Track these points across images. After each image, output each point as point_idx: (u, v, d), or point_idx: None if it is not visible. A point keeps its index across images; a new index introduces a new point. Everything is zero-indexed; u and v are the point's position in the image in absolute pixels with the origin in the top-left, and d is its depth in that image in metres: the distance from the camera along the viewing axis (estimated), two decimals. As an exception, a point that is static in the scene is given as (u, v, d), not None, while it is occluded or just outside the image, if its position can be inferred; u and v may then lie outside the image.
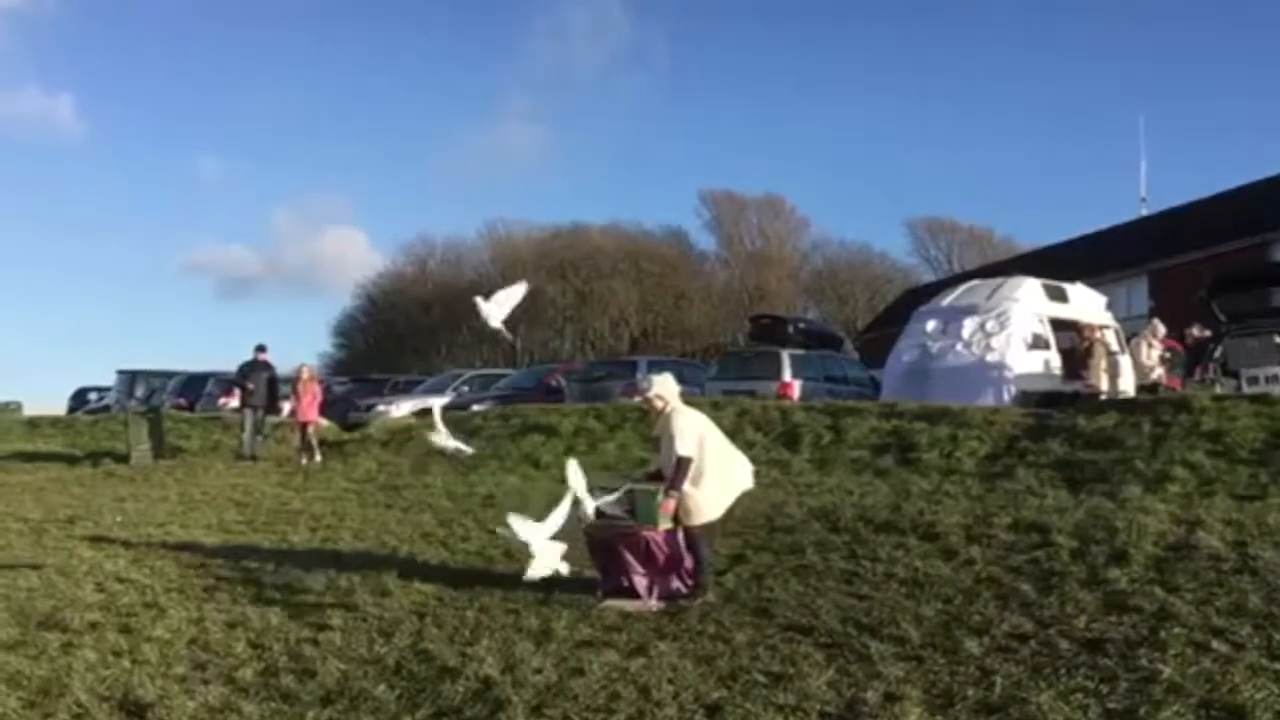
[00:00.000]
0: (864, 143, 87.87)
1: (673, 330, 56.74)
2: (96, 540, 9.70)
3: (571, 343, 57.56)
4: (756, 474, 7.44)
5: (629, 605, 6.50)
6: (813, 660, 5.22)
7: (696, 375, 19.52)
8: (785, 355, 18.29)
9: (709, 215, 62.58)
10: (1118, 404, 12.78)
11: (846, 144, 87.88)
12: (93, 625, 6.39)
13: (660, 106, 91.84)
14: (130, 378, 30.73)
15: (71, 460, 18.47)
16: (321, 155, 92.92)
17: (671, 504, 6.63)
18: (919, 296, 31.47)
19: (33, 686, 5.17)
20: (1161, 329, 16.77)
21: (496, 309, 8.05)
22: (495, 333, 8.32)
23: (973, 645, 5.32)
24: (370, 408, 22.48)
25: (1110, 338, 16.39)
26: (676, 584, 6.75)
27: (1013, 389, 14.55)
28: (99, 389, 34.60)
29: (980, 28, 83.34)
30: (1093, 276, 22.11)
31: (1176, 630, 5.33)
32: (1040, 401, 13.67)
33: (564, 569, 6.63)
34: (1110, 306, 17.82)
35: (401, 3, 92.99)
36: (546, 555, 6.54)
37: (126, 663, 5.56)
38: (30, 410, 34.15)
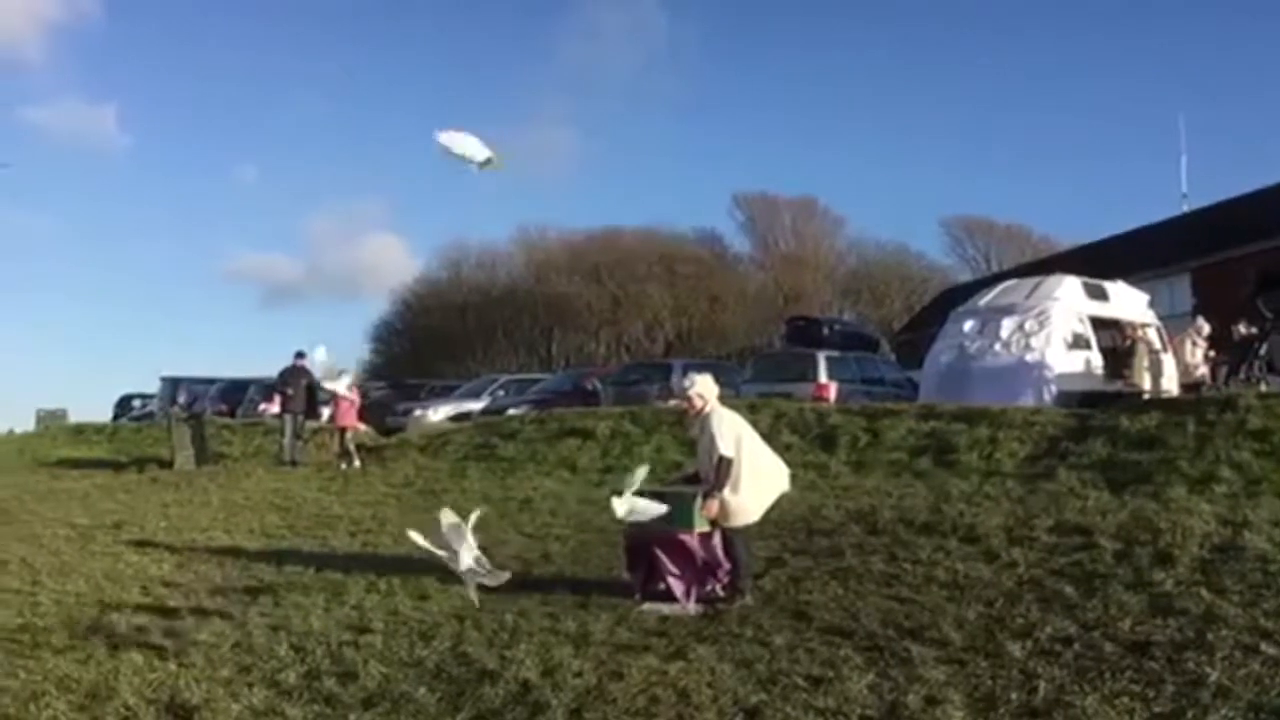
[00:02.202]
0: (899, 142, 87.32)
1: (707, 333, 56.57)
2: (142, 545, 9.86)
3: (606, 346, 57.53)
4: (793, 477, 7.42)
5: (667, 609, 6.51)
6: (853, 663, 5.20)
7: (731, 378, 19.48)
8: (821, 357, 18.21)
9: (743, 217, 62.46)
10: (1161, 403, 12.60)
11: (881, 143, 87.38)
12: (139, 629, 6.49)
13: (694, 108, 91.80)
14: (173, 385, 31.16)
15: (117, 466, 18.76)
16: (359, 162, 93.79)
17: (713, 505, 6.62)
18: (956, 296, 31.19)
19: (82, 690, 5.26)
20: (1206, 327, 16.53)
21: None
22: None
23: (1015, 648, 5.27)
24: (407, 412, 22.65)
25: (1153, 336, 16.19)
26: (714, 587, 6.75)
27: (1053, 389, 14.39)
28: (143, 396, 35.11)
29: (1016, 24, 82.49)
30: (1134, 274, 21.83)
31: (1223, 633, 5.25)
32: (1081, 401, 13.51)
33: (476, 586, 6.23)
34: (1152, 304, 17.60)
35: (436, 7, 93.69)
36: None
37: (172, 666, 5.64)
38: (76, 417, 34.70)
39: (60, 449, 23.56)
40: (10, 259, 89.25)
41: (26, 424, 35.71)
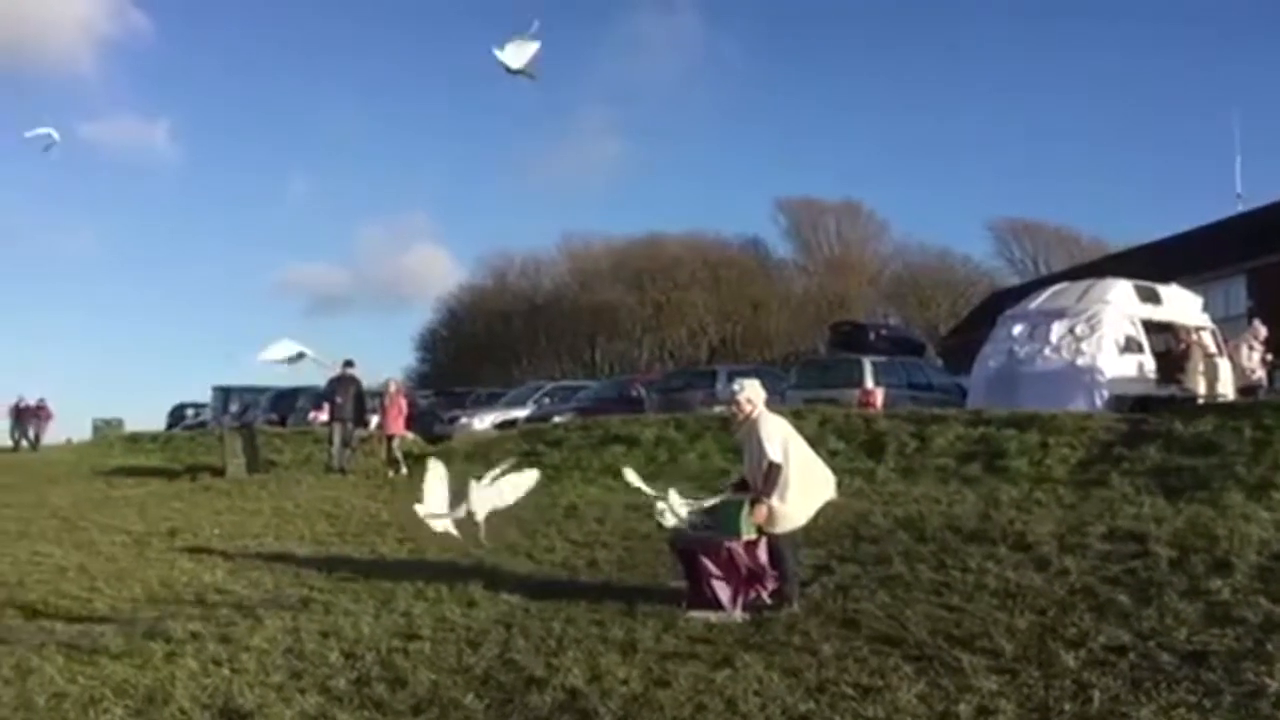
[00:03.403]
0: (944, 144, 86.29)
1: (751, 339, 56.39)
2: (196, 552, 10.03)
3: (650, 353, 57.55)
4: (840, 483, 7.38)
5: (713, 616, 6.49)
6: (902, 673, 5.15)
7: (776, 384, 19.41)
8: (867, 362, 18.09)
9: (786, 222, 62.24)
10: (1216, 408, 12.36)
11: (926, 146, 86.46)
12: (194, 635, 6.60)
13: (735, 115, 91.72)
14: (225, 394, 31.70)
15: (171, 475, 19.09)
16: (405, 173, 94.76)
17: (762, 511, 6.60)
18: (1004, 300, 30.79)
19: (139, 695, 5.37)
20: (1263, 330, 16.20)
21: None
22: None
23: (1069, 658, 5.19)
24: (453, 420, 22.83)
25: (1207, 339, 15.88)
26: (761, 595, 6.73)
27: (1105, 393, 14.16)
28: (196, 405, 35.70)
29: (1063, 23, 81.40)
30: (1187, 276, 21.39)
31: (1284, 642, 5.13)
32: (1134, 406, 13.29)
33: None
34: (1206, 307, 17.24)
35: (479, 18, 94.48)
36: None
37: (226, 671, 5.74)
38: (131, 426, 35.38)
39: (116, 458, 24.03)
40: (67, 273, 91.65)
41: (84, 433, 36.55)
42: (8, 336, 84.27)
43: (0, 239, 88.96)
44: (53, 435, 33.93)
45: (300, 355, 8.94)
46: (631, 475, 7.36)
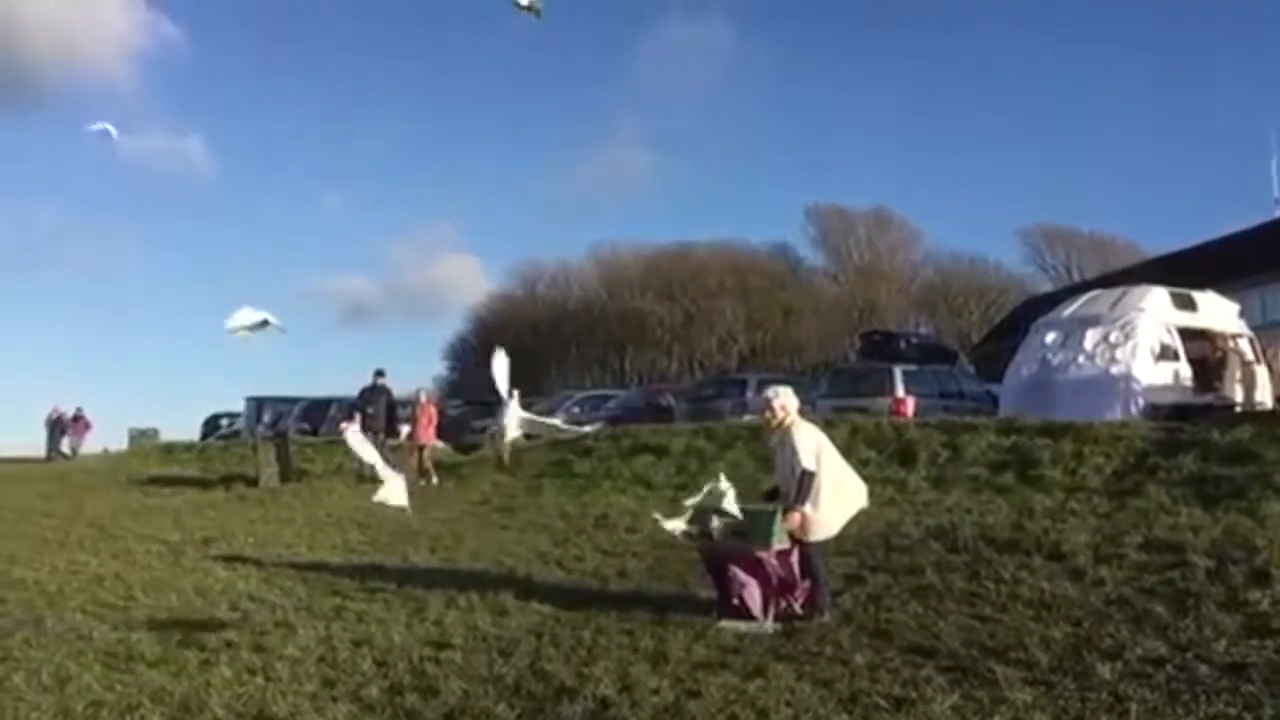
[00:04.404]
0: (974, 151, 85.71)
1: (781, 347, 56.30)
2: (230, 561, 10.12)
3: (679, 361, 57.60)
4: (871, 493, 7.35)
5: (744, 626, 6.47)
6: (935, 684, 5.11)
7: (806, 392, 19.33)
8: (898, 371, 17.99)
9: (815, 230, 62.10)
10: (1254, 416, 12.17)
11: (956, 153, 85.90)
12: (228, 643, 6.66)
13: (765, 123, 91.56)
14: (258, 404, 31.95)
15: (205, 484, 19.25)
16: (434, 184, 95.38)
17: (796, 518, 6.58)
18: (1037, 307, 30.51)
19: (174, 702, 5.43)
20: (1302, 336, 15.96)
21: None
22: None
23: (1105, 670, 5.13)
24: (483, 429, 22.90)
25: (1244, 346, 15.67)
26: (792, 605, 6.70)
27: (1140, 402, 14.00)
28: (229, 415, 36.03)
29: (1095, 29, 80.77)
30: (1224, 283, 21.11)
31: (1326, 655, 5.05)
32: (1170, 414, 13.11)
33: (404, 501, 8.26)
34: (1243, 314, 17.04)
35: (508, 32, 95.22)
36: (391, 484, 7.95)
37: (260, 680, 5.79)
38: (167, 436, 35.75)
39: (152, 467, 24.27)
40: (106, 285, 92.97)
41: (120, 443, 36.97)
42: (49, 347, 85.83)
43: (43, 253, 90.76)
44: (90, 445, 34.44)
45: (264, 323, 9.12)
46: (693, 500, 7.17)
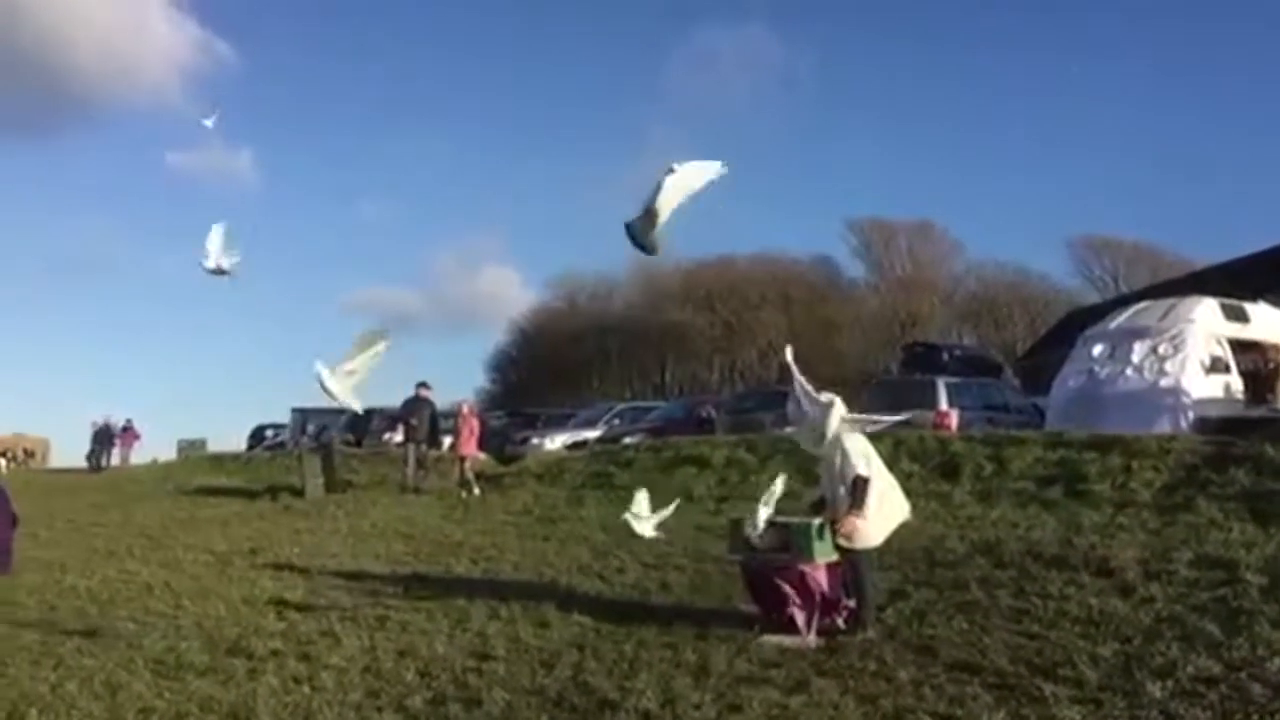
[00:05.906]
0: (1018, 161, 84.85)
1: (822, 359, 55.66)
2: (276, 570, 10.25)
3: (720, 373, 57.46)
4: (914, 506, 7.31)
5: (787, 640, 6.43)
6: (982, 701, 5.05)
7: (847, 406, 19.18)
8: (941, 383, 17.80)
9: (856, 242, 61.71)
10: (1309, 429, 11.89)
11: (999, 164, 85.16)
12: (275, 653, 6.75)
13: (806, 134, 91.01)
14: (303, 415, 32.34)
15: (252, 494, 19.53)
16: (476, 197, 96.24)
17: (851, 522, 6.55)
18: (1083, 319, 30.06)
19: (223, 710, 5.51)
20: (1358, 349, 15.59)
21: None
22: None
23: (1155, 689, 5.04)
24: (525, 441, 23.02)
25: (1299, 359, 15.35)
26: (835, 620, 6.65)
27: (1190, 415, 13.75)
28: (275, 426, 36.51)
29: (1140, 34, 79.63)
30: (1276, 294, 20.69)
31: (1386, 676, 4.92)
32: (1221, 428, 12.86)
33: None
34: (1297, 325, 16.65)
35: (548, 41, 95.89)
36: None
37: (306, 689, 5.86)
38: (214, 447, 36.32)
39: (199, 477, 24.68)
40: (156, 298, 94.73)
41: (169, 454, 37.60)
42: (102, 360, 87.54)
43: (97, 266, 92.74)
44: (140, 455, 35.08)
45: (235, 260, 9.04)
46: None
